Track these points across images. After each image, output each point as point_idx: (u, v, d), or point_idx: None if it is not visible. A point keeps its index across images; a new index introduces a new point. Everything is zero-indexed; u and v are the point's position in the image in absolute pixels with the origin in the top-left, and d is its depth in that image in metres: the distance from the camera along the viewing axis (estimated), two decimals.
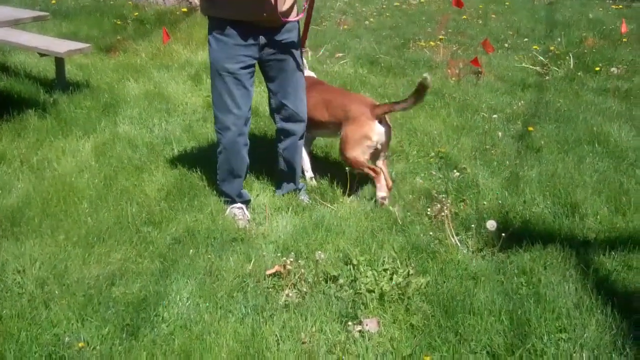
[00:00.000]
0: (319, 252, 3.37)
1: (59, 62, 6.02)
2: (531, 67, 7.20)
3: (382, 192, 4.09)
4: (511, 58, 7.65)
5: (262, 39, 3.77)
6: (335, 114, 4.20)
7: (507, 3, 11.10)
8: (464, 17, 9.71)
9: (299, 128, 4.09)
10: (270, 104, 4.10)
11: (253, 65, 3.84)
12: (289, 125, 4.07)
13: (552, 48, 7.85)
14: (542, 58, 7.42)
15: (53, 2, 10.44)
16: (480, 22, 9.57)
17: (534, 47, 7.97)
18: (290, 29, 3.87)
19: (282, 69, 3.92)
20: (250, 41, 3.74)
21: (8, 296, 3.13)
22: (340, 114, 4.17)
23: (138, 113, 5.52)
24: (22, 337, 2.82)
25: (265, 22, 3.73)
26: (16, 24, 5.32)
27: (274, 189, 4.31)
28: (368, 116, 4.08)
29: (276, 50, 3.85)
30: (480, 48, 7.62)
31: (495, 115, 5.58)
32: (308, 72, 4.51)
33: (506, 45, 8.24)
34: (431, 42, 8.20)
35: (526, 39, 8.46)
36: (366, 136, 4.07)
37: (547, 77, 6.87)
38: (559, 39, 8.28)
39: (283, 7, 3.72)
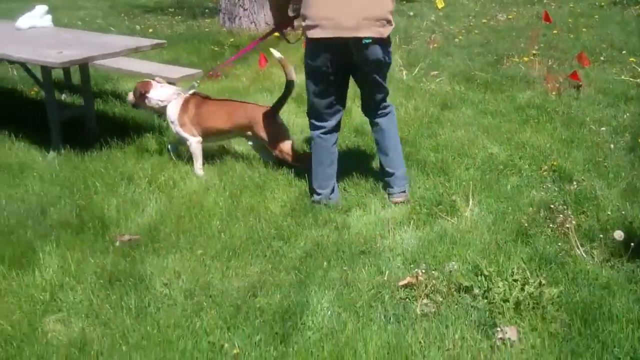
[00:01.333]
0: (452, 262, 3.46)
1: None
2: (631, 79, 7.13)
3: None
4: (608, 71, 7.60)
5: None
6: (239, 122, 4.92)
7: (596, 16, 10.99)
8: (555, 31, 9.67)
9: None
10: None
11: None
12: None
13: None
14: None
15: (150, 30, 10.91)
16: (572, 36, 9.52)
17: (631, 59, 7.88)
18: None
19: None
20: None
21: (160, 307, 3.33)
22: (245, 121, 4.90)
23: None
24: (181, 345, 3.01)
25: None
26: (136, 51, 5.61)
27: (391, 202, 4.44)
28: (272, 114, 4.88)
29: None
30: (576, 62, 7.62)
31: (603, 128, 5.58)
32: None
33: (602, 58, 8.17)
34: (525, 58, 8.21)
35: (624, 52, 8.36)
36: (280, 128, 4.90)
37: None
38: None
39: None
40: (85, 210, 4.38)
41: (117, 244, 3.98)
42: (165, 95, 5.04)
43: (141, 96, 5.09)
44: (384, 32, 3.98)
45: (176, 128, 5.00)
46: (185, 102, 4.99)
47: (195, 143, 4.98)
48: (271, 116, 4.89)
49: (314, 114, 4.37)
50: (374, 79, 4.22)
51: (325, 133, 4.37)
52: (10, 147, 5.62)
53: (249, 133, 4.97)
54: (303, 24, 4.05)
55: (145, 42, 5.81)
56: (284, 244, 3.94)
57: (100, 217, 4.29)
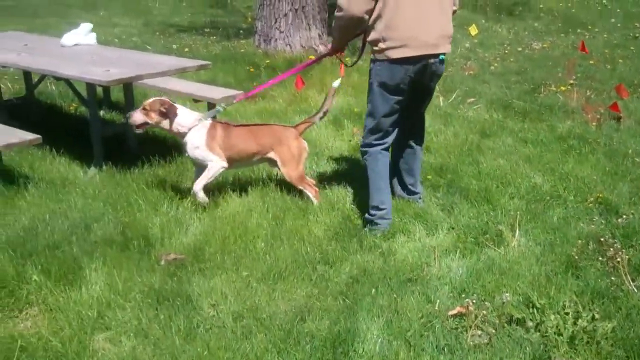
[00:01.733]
0: (506, 294, 3.42)
1: (211, 107, 6.32)
2: None
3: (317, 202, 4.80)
4: None
5: None
6: (264, 142, 4.83)
7: (632, 47, 10.92)
8: (591, 62, 9.62)
9: None
10: None
11: None
12: None
13: None
14: None
15: (186, 50, 10.99)
16: (609, 66, 9.46)
17: None
18: None
19: None
20: None
21: (209, 328, 3.31)
22: (271, 141, 4.82)
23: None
24: None
25: None
26: (183, 72, 5.65)
27: (437, 230, 4.41)
28: (296, 135, 4.86)
29: None
30: (614, 93, 7.56)
31: None
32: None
33: None
34: (562, 87, 8.17)
35: None
36: (304, 149, 4.86)
37: None
38: None
39: None
40: (129, 228, 4.39)
41: (162, 262, 3.98)
42: (188, 122, 4.74)
43: (168, 119, 4.70)
44: (450, 47, 4.29)
45: (202, 153, 4.75)
46: (212, 127, 4.78)
47: (219, 167, 4.77)
48: (294, 136, 4.87)
49: (376, 134, 4.43)
50: (433, 89, 4.54)
51: (385, 149, 4.49)
52: (52, 162, 5.66)
53: (271, 154, 4.83)
54: (383, 45, 4.11)
55: (191, 62, 5.86)
56: (329, 269, 3.92)
57: (145, 235, 4.29)
